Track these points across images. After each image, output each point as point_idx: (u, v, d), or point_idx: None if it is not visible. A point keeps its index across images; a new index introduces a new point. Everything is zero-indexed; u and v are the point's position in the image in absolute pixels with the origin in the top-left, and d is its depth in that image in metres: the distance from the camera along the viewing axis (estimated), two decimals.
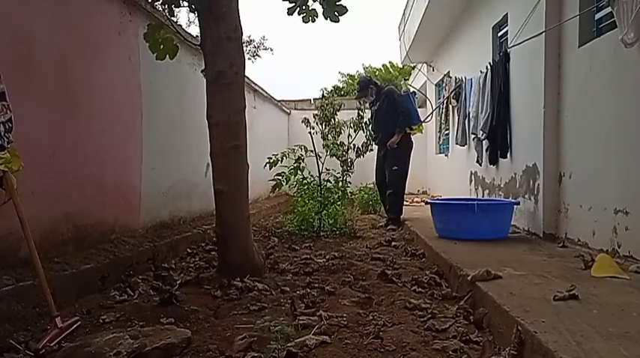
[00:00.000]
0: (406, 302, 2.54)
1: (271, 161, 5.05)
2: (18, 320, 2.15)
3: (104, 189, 3.39)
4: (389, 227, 5.54)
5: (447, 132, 8.08)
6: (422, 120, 5.73)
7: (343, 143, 7.32)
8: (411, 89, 5.95)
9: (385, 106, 5.57)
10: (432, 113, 6.09)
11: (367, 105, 6.22)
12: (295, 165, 5.23)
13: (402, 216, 5.66)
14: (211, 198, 3.31)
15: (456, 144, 6.88)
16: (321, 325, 2.15)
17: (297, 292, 2.79)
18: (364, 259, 3.78)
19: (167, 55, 3.51)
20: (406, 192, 5.95)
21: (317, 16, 3.54)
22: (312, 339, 1.97)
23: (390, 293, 2.76)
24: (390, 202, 5.65)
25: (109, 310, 2.45)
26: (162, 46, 3.47)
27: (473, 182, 6.35)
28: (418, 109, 5.86)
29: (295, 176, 5.25)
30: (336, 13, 3.45)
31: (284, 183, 5.18)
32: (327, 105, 7.28)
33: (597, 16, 3.52)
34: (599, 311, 1.96)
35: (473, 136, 5.60)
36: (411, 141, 5.65)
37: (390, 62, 22.59)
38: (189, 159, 4.89)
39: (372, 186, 7.87)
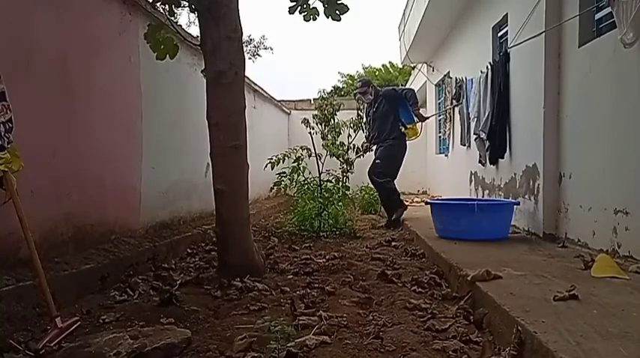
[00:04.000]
0: (406, 303, 2.54)
1: (272, 161, 5.06)
2: (18, 320, 2.15)
3: (104, 189, 3.39)
4: (388, 225, 5.59)
5: (447, 132, 8.08)
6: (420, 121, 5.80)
7: (343, 143, 7.32)
8: None
9: (383, 106, 5.74)
10: (431, 116, 6.07)
11: (363, 107, 6.37)
12: (294, 165, 5.24)
13: (400, 214, 5.62)
14: (211, 198, 3.31)
15: (459, 144, 6.89)
16: (321, 325, 2.15)
17: (297, 292, 2.79)
18: (364, 259, 3.78)
19: (167, 55, 3.51)
20: (406, 192, 5.99)
21: (318, 15, 3.54)
22: (312, 339, 1.97)
23: (390, 294, 2.76)
24: (381, 201, 5.71)
25: (108, 310, 2.45)
26: (162, 46, 3.47)
27: (473, 182, 6.34)
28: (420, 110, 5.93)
29: (297, 176, 5.27)
30: (337, 11, 3.45)
31: (287, 183, 5.21)
32: (325, 105, 7.28)
33: (597, 16, 3.52)
34: (599, 311, 1.96)
35: (475, 137, 5.61)
36: (404, 144, 5.76)
37: (390, 62, 22.63)
38: (189, 159, 4.89)
39: (372, 186, 7.88)
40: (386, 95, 5.79)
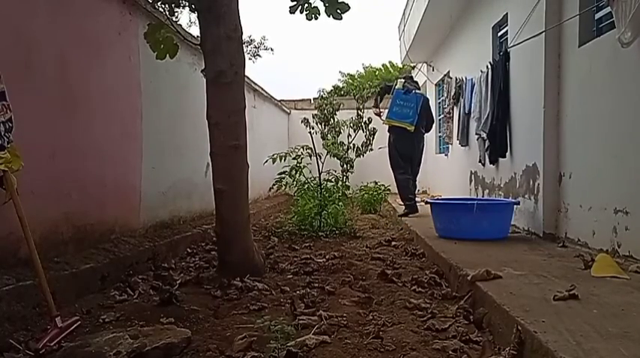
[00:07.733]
0: (406, 302, 2.54)
1: (274, 157, 5.07)
2: (18, 320, 2.15)
3: (104, 188, 3.39)
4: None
5: (447, 131, 8.08)
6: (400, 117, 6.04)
7: (343, 143, 7.32)
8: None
9: None
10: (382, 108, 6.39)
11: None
12: (295, 164, 5.24)
13: (410, 205, 5.91)
14: (211, 197, 3.31)
15: (458, 144, 6.88)
16: (321, 325, 2.15)
17: (297, 292, 2.79)
18: (364, 259, 3.78)
19: (167, 55, 3.50)
20: None
21: (319, 14, 3.54)
22: (312, 339, 1.97)
23: (390, 293, 2.76)
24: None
25: (108, 310, 2.45)
26: (162, 46, 3.47)
27: (473, 182, 6.34)
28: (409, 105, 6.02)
29: (299, 175, 5.28)
30: (338, 10, 3.45)
31: (289, 181, 5.22)
32: (325, 105, 7.30)
33: (597, 15, 3.52)
34: (599, 311, 1.96)
35: (477, 136, 5.61)
36: (392, 137, 6.10)
37: (390, 62, 22.55)
38: (189, 159, 4.89)
39: (372, 185, 7.88)
40: None
